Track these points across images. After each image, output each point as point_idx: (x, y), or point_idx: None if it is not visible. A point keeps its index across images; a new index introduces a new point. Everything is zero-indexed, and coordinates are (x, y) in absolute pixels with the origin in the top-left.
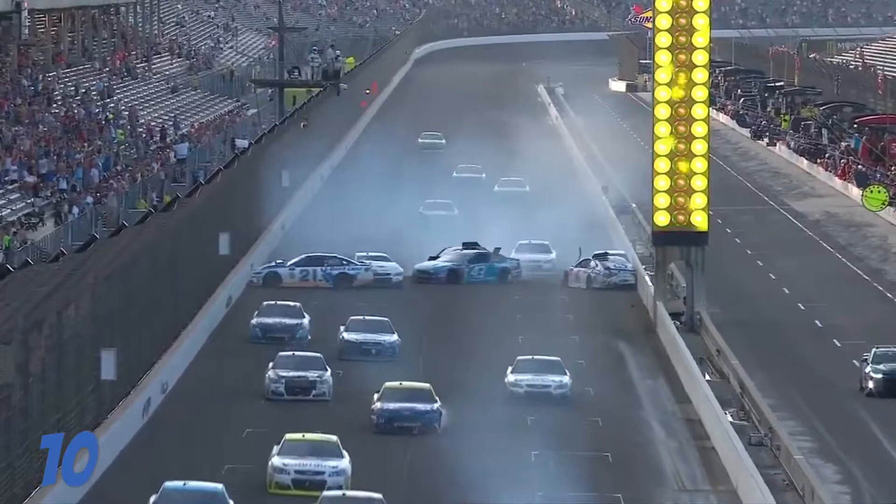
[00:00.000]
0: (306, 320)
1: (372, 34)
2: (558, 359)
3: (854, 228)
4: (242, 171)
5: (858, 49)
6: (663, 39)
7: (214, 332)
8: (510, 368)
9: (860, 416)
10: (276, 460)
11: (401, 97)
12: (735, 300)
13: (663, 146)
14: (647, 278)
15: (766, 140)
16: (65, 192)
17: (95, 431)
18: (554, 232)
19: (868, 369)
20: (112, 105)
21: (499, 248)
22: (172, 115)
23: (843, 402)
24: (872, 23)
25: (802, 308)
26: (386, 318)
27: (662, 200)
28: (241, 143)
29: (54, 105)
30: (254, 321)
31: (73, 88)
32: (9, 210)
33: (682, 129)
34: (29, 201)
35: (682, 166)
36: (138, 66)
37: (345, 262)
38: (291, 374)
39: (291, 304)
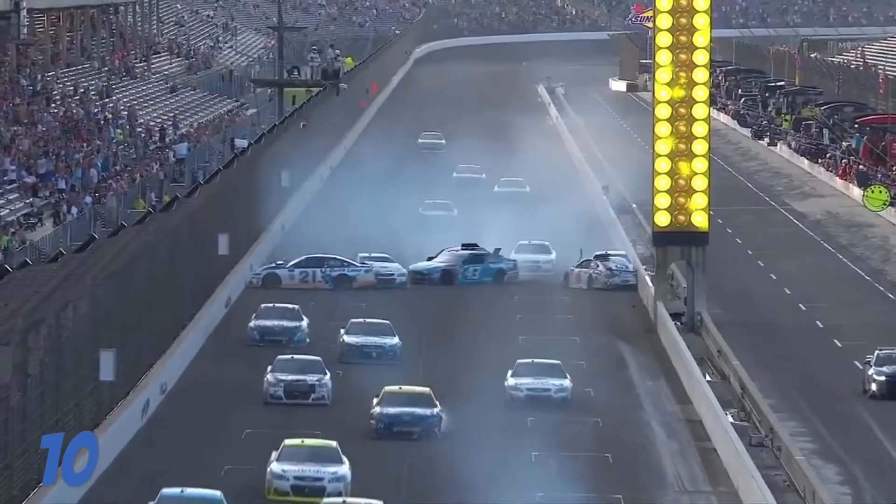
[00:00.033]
0: (305, 323)
1: (372, 34)
2: (559, 362)
3: (855, 229)
4: (242, 171)
5: (859, 49)
6: (664, 39)
7: (214, 333)
8: (510, 372)
9: (861, 417)
10: (274, 466)
11: (401, 97)
12: (736, 301)
13: (664, 146)
14: (648, 279)
15: (767, 140)
16: (64, 192)
17: (94, 432)
18: (554, 232)
19: (871, 371)
20: (111, 105)
21: (499, 250)
22: (171, 114)
23: (845, 403)
24: (874, 22)
25: (803, 308)
26: (387, 321)
27: (663, 200)
28: (241, 143)
29: (53, 105)
30: (252, 324)
31: (71, 88)
32: (7, 210)
33: (682, 128)
34: (28, 201)
35: (683, 166)
36: (137, 65)
37: (345, 264)
38: (290, 377)
39: (290, 306)
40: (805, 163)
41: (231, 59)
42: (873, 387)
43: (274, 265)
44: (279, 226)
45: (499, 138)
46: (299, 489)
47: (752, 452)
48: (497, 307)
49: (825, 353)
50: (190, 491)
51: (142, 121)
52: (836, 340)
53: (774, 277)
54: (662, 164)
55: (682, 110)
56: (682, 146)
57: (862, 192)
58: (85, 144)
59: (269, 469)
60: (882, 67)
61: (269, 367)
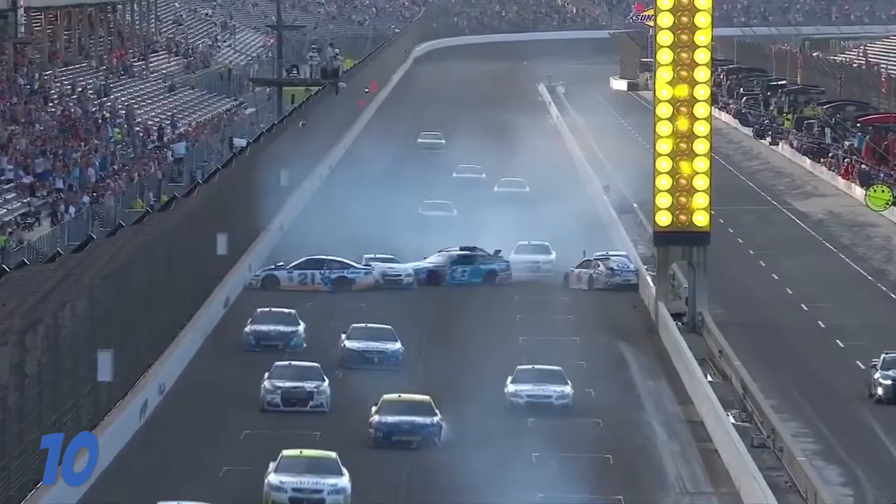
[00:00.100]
0: (301, 328)
1: (371, 32)
2: (559, 368)
3: (857, 228)
4: (240, 170)
5: (862, 47)
6: (665, 38)
7: (212, 334)
8: (510, 378)
9: (864, 417)
10: (272, 478)
11: (400, 96)
12: (737, 301)
13: (665, 145)
14: (649, 279)
15: (769, 139)
16: (61, 191)
17: (93, 433)
18: (555, 232)
19: (877, 375)
20: (109, 104)
21: (499, 251)
22: (170, 113)
23: (847, 404)
24: (876, 21)
25: (805, 309)
26: (389, 326)
27: (664, 200)
28: (240, 142)
29: (50, 104)
30: (247, 329)
31: (69, 87)
32: (5, 210)
33: (683, 128)
34: (25, 201)
35: (684, 166)
36: (135, 64)
37: (344, 266)
38: (288, 384)
39: (286, 310)
40: (807, 162)
41: (230, 57)
42: (879, 391)
43: (273, 266)
44: (278, 225)
45: (499, 137)
46: (297, 501)
47: (754, 453)
48: (497, 308)
49: (827, 354)
50: None
51: (140, 120)
52: (838, 341)
53: (776, 277)
54: (664, 164)
55: (684, 109)
56: (684, 145)
57: (864, 191)
58: (83, 144)
59: (266, 480)
60: (884, 66)
61: (267, 374)
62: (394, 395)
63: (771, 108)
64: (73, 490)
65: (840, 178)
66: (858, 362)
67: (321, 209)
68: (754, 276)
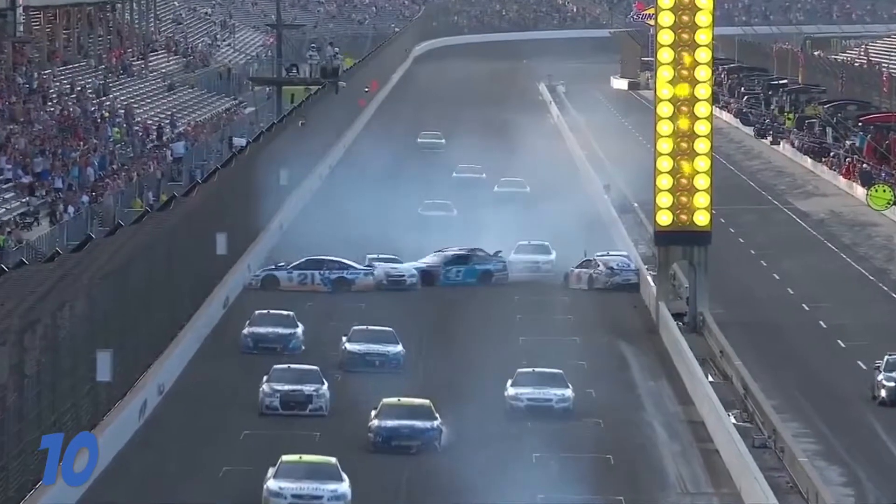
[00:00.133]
0: (300, 330)
1: (371, 31)
2: (560, 371)
3: (859, 228)
4: (240, 170)
5: (863, 46)
6: (666, 37)
7: (212, 334)
8: (510, 381)
9: (865, 418)
10: (271, 483)
11: (400, 95)
12: (738, 300)
13: (666, 144)
14: (650, 278)
15: (770, 138)
16: (60, 191)
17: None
18: (555, 232)
19: (881, 377)
20: (108, 103)
21: (499, 252)
22: (169, 113)
23: (848, 404)
24: (877, 20)
25: (806, 308)
26: (390, 328)
27: (665, 199)
28: (239, 141)
29: (49, 103)
30: (245, 331)
31: (68, 86)
32: (3, 209)
33: (684, 127)
34: (24, 200)
35: (685, 165)
36: (134, 63)
37: (344, 267)
38: (287, 387)
39: (284, 313)
40: (808, 161)
41: (229, 56)
42: (883, 393)
43: (274, 267)
44: (277, 225)
45: (499, 137)
46: None
47: (755, 454)
48: (497, 308)
49: (828, 354)
50: None
51: (139, 119)
52: (839, 341)
53: (777, 277)
54: (664, 163)
55: (685, 108)
56: (685, 145)
57: (866, 191)
58: (82, 143)
59: (265, 486)
60: (886, 65)
61: (265, 377)
62: (393, 399)
63: (772, 107)
64: (73, 490)
65: (841, 177)
66: (860, 362)
67: (321, 209)
68: (755, 276)
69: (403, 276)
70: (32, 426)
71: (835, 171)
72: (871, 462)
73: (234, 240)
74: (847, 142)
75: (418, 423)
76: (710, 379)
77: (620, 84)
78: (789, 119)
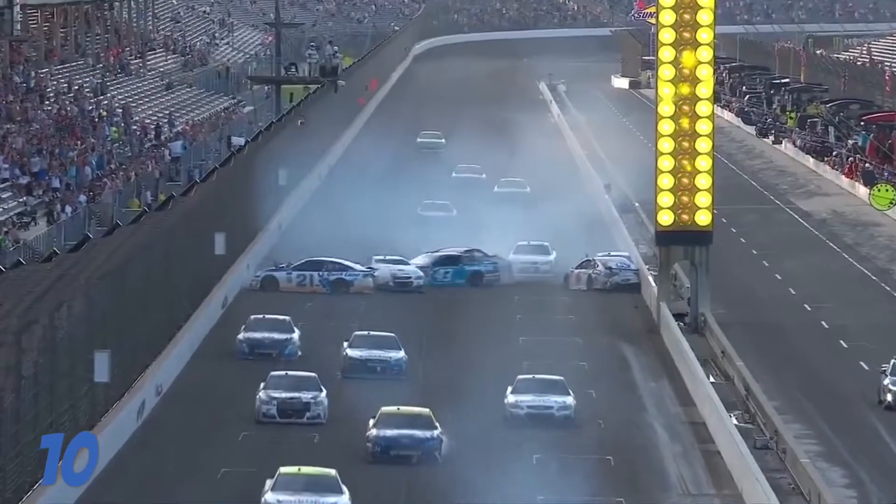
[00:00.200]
0: (296, 335)
1: (370, 30)
2: (561, 378)
3: (861, 228)
4: (239, 169)
5: (866, 45)
6: (667, 35)
7: (210, 334)
8: (510, 388)
9: (868, 419)
10: (269, 497)
11: (400, 94)
12: (740, 301)
13: (667, 144)
14: (651, 279)
15: (772, 138)
16: (57, 190)
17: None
18: (555, 232)
19: (887, 381)
20: (106, 102)
21: (493, 256)
22: (167, 112)
23: (851, 405)
24: (880, 18)
25: (809, 309)
26: (392, 334)
27: (666, 199)
28: (238, 140)
29: (47, 102)
30: (241, 336)
31: (65, 85)
32: (1, 209)
33: (686, 126)
34: (21, 200)
35: (686, 164)
36: (132, 62)
37: (343, 268)
38: (284, 395)
39: (280, 318)
40: (810, 161)
41: (228, 55)
42: (889, 397)
43: (274, 267)
44: (276, 225)
45: (499, 136)
46: None
47: (757, 455)
48: (497, 308)
49: (831, 354)
50: None
51: (137, 118)
52: (841, 341)
53: (779, 277)
54: (665, 163)
55: (686, 107)
56: (686, 144)
57: (868, 190)
58: (79, 142)
59: (263, 499)
60: (888, 64)
61: (262, 384)
62: (392, 408)
63: (774, 106)
64: (72, 490)
65: (843, 176)
66: (862, 363)
67: (320, 209)
68: (757, 276)
69: (410, 277)
70: (30, 427)
71: (837, 170)
72: (873, 463)
73: (233, 240)
74: (849, 141)
75: (418, 433)
76: (712, 380)
77: (621, 83)
78: (791, 118)
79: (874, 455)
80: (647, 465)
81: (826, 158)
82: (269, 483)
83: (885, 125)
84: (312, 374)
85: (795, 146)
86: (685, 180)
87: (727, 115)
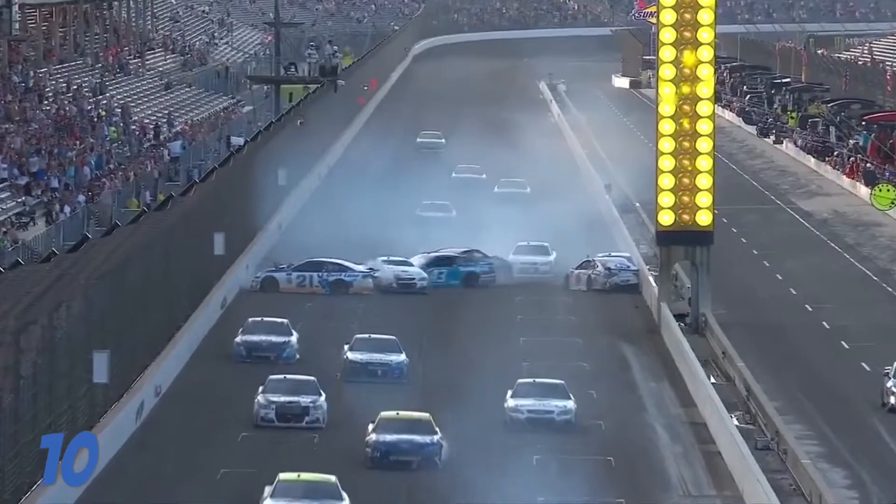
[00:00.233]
0: (294, 338)
1: (370, 30)
2: (562, 382)
3: (862, 228)
4: (238, 169)
5: (867, 45)
6: (668, 35)
7: (209, 334)
8: (510, 392)
9: (869, 420)
10: (268, 503)
11: (399, 94)
12: (741, 301)
13: (668, 143)
14: (651, 279)
15: (773, 138)
16: (56, 190)
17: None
18: (556, 232)
19: (889, 384)
20: (104, 102)
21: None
22: (166, 112)
23: (852, 406)
24: (881, 18)
25: (810, 309)
26: (393, 337)
27: (667, 199)
28: (237, 140)
29: (45, 102)
30: (238, 339)
31: (64, 85)
32: None
33: (686, 126)
34: (20, 200)
35: (687, 164)
36: (131, 62)
37: (343, 269)
38: (283, 399)
39: (278, 320)
40: (811, 161)
41: (227, 55)
42: (892, 400)
43: (274, 268)
44: (276, 225)
45: (499, 135)
46: None
47: (758, 456)
48: (498, 308)
49: (832, 355)
50: None
51: (136, 118)
52: (842, 342)
53: (780, 277)
54: (666, 162)
55: (686, 107)
56: (687, 144)
57: (869, 190)
58: (78, 142)
59: None
60: (890, 64)
61: (261, 388)
62: (391, 413)
63: (775, 106)
64: (72, 490)
65: (845, 176)
66: (864, 364)
67: (320, 209)
68: (758, 277)
69: (414, 279)
70: (29, 428)
71: (838, 170)
72: (874, 464)
73: (232, 240)
74: (850, 141)
75: (417, 438)
76: (713, 380)
77: (622, 82)
78: (792, 118)
79: (875, 456)
80: (648, 465)
81: (827, 158)
82: (268, 489)
83: (887, 125)
84: (311, 378)
85: (796, 146)
86: (686, 180)
87: (728, 115)
